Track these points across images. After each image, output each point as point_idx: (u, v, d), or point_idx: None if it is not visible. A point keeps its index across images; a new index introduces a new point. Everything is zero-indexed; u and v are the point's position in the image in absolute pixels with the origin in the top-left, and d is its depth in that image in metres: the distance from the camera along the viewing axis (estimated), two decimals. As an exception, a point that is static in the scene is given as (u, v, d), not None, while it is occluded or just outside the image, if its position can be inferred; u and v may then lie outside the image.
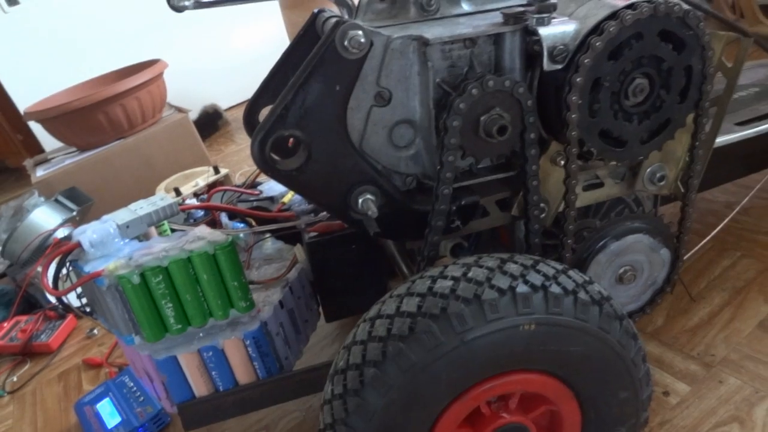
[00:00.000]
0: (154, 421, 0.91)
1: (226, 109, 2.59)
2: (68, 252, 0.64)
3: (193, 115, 2.27)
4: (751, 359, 0.79)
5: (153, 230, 0.71)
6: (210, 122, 2.44)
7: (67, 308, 0.64)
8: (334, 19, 0.60)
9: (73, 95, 1.87)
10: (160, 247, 0.63)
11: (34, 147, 2.30)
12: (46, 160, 1.91)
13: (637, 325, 0.87)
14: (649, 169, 0.70)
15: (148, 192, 1.75)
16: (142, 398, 0.95)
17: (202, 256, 0.62)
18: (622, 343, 0.55)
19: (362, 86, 0.59)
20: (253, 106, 0.73)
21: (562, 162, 0.65)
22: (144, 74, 1.80)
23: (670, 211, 0.93)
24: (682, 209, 0.70)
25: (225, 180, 1.72)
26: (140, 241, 0.68)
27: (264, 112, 0.70)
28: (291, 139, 0.59)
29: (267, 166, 0.57)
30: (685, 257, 0.73)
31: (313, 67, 0.55)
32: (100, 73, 2.02)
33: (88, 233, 0.64)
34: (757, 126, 0.88)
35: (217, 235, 0.64)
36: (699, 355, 0.81)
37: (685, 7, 0.56)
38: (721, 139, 0.86)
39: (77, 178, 1.70)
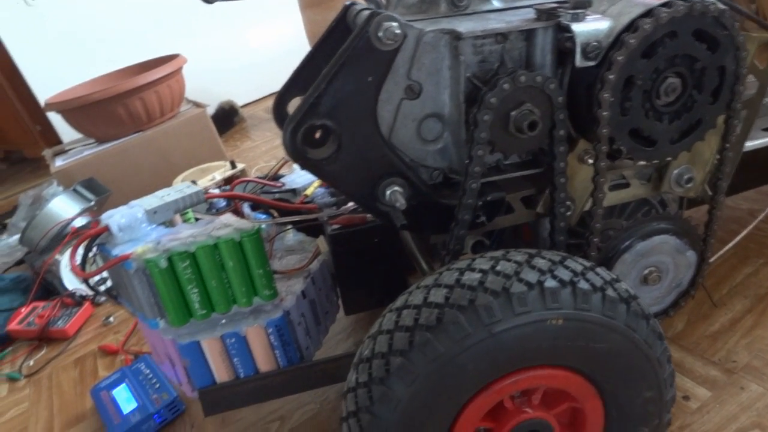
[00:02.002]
0: (170, 408, 0.92)
1: (242, 106, 2.61)
2: (97, 235, 0.65)
3: (210, 110, 2.29)
4: (773, 367, 0.78)
5: (178, 217, 0.72)
6: (226, 118, 2.45)
7: (94, 291, 0.65)
8: (367, 11, 0.60)
9: (93, 87, 1.89)
10: (187, 233, 0.64)
11: (51, 138, 2.33)
12: (64, 151, 1.93)
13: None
14: (676, 171, 0.69)
15: (165, 185, 1.76)
16: (158, 385, 0.95)
17: (228, 242, 0.63)
18: (649, 342, 0.55)
19: (393, 79, 0.59)
20: (282, 97, 0.74)
21: (590, 160, 0.65)
22: (163, 68, 1.82)
23: (693, 215, 0.92)
24: (709, 212, 0.69)
25: (241, 175, 1.74)
26: (166, 227, 0.69)
27: (293, 104, 0.70)
28: (319, 132, 0.60)
29: (298, 155, 0.57)
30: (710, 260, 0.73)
31: (346, 57, 0.55)
32: (119, 67, 2.04)
33: (116, 217, 0.65)
34: (784, 132, 0.88)
35: (243, 223, 0.65)
36: (720, 360, 0.81)
37: (721, 6, 0.56)
38: (747, 145, 0.85)
39: (95, 169, 1.72)
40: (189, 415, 0.93)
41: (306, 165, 0.58)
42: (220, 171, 1.73)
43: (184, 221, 0.74)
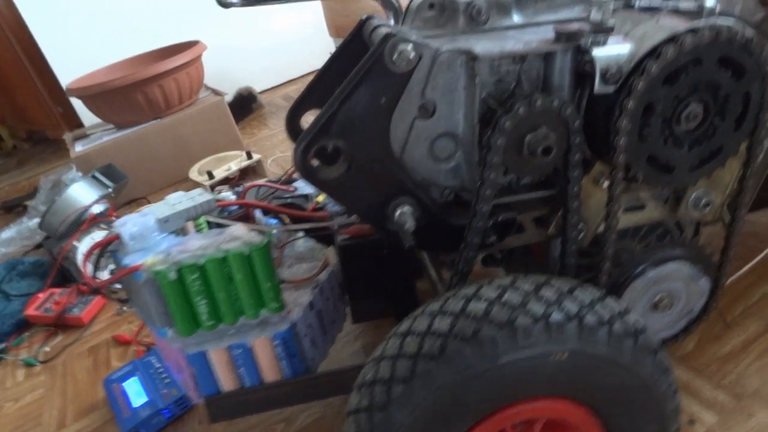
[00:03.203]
0: (178, 404, 0.94)
1: (260, 92, 2.60)
2: (108, 243, 0.65)
3: (228, 97, 2.29)
4: (784, 394, 0.77)
5: (190, 225, 0.72)
6: (244, 105, 2.45)
7: (108, 297, 0.66)
8: (383, 30, 0.59)
9: (113, 73, 1.90)
10: (197, 245, 0.64)
11: (73, 120, 2.35)
12: (84, 136, 1.95)
13: (666, 349, 0.85)
14: (694, 194, 0.68)
15: (182, 172, 1.78)
16: (167, 380, 0.97)
17: (237, 256, 0.63)
18: (654, 377, 0.54)
19: (407, 98, 0.59)
20: (296, 110, 0.73)
21: (605, 184, 0.64)
22: (183, 56, 1.82)
23: (707, 232, 0.90)
24: (726, 238, 0.68)
25: (257, 166, 1.74)
26: (177, 235, 0.69)
27: (306, 117, 0.70)
28: (330, 149, 0.59)
29: (308, 174, 0.57)
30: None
31: (359, 78, 0.54)
32: (140, 51, 2.05)
33: (128, 226, 0.66)
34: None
35: (252, 236, 0.65)
36: (729, 384, 0.80)
37: (749, 34, 0.54)
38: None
39: (113, 155, 1.74)
40: (197, 411, 0.94)
41: (316, 183, 0.58)
42: (236, 161, 1.73)
43: (197, 226, 0.74)
